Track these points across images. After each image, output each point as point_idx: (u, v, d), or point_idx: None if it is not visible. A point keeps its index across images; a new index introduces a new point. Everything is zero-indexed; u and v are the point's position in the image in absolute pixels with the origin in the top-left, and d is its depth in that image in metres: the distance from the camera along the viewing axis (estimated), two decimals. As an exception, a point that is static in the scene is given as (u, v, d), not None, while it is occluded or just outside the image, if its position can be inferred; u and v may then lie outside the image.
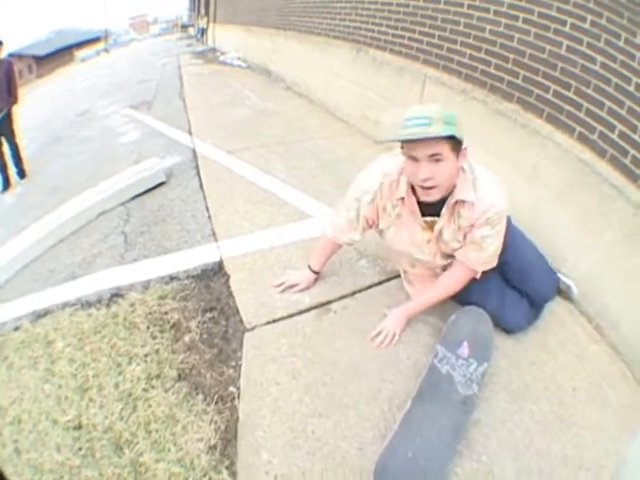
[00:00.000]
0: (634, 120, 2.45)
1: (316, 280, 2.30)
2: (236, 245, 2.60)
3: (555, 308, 2.41)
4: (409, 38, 4.46)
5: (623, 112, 2.50)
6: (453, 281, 1.97)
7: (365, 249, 2.56)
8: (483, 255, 1.83)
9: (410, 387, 1.77)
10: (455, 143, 1.59)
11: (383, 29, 4.98)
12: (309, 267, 2.26)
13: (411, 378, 1.84)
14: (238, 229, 2.75)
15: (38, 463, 1.63)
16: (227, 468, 1.55)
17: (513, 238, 2.03)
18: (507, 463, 1.59)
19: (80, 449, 1.65)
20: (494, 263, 1.90)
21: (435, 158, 1.57)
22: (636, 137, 2.44)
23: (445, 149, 1.57)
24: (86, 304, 2.32)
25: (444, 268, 2.04)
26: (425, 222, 1.86)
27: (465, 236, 1.84)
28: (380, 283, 2.35)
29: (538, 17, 2.80)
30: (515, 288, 2.17)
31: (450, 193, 1.75)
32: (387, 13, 4.88)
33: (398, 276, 2.37)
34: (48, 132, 6.97)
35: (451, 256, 1.95)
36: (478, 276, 1.93)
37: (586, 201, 2.65)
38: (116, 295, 2.34)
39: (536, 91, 2.87)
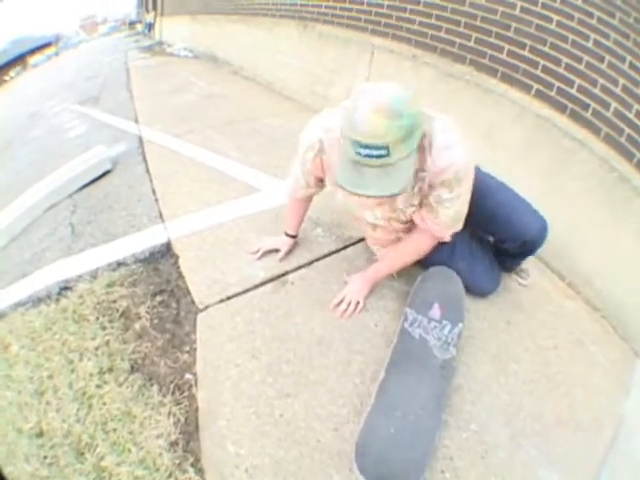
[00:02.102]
0: (593, 74, 2.43)
1: (295, 244, 2.17)
2: (184, 225, 2.42)
3: (524, 267, 2.30)
4: (357, 10, 4.36)
5: (582, 67, 2.48)
6: (415, 247, 1.80)
7: (319, 217, 2.42)
8: (440, 220, 1.61)
9: (382, 356, 1.63)
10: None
11: (330, 3, 4.85)
12: (285, 233, 2.13)
13: (382, 346, 1.69)
14: (185, 209, 2.57)
15: (15, 477, 1.46)
16: (192, 465, 1.38)
17: (478, 183, 1.80)
18: (499, 429, 1.49)
19: (45, 458, 1.49)
20: (458, 227, 1.69)
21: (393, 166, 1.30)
22: (596, 91, 2.43)
23: (399, 152, 1.26)
24: (36, 301, 2.12)
25: (408, 231, 1.85)
26: None
27: (422, 200, 1.63)
28: (338, 251, 2.21)
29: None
30: (495, 239, 2.02)
31: None
32: None
33: (356, 243, 2.25)
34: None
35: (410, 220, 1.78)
36: (447, 239, 1.74)
37: (548, 156, 2.62)
38: (65, 288, 2.13)
39: (489, 52, 2.82)
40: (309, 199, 2.05)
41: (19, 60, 41.47)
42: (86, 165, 3.26)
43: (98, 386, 1.63)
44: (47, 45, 52.63)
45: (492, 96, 2.84)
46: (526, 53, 2.75)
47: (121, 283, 2.07)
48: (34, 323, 1.97)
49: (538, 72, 2.70)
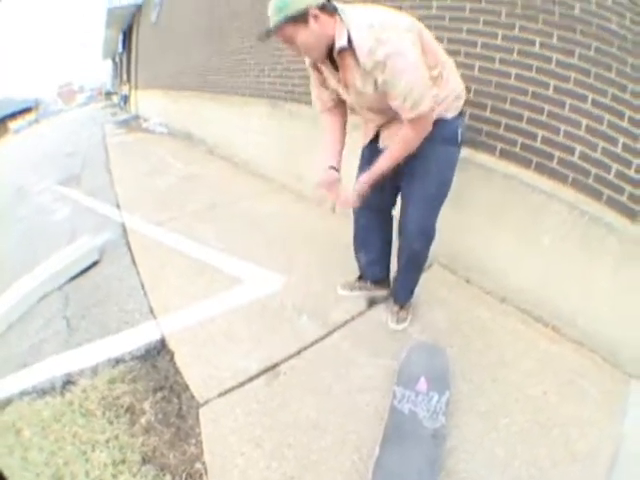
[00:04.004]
0: (556, 123, 2.50)
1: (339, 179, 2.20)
2: (175, 321, 2.52)
3: (505, 322, 2.47)
4: None
5: (544, 118, 2.55)
6: (401, 140, 1.92)
7: (304, 304, 2.56)
8: (399, 100, 1.75)
9: (375, 433, 1.74)
10: (294, 20, 1.70)
11: (296, 81, 4.97)
12: (329, 167, 2.18)
13: (374, 425, 1.80)
14: (175, 303, 2.67)
15: None
16: None
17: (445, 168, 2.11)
18: (495, 480, 1.56)
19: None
20: (423, 107, 1.76)
21: (289, 42, 1.79)
22: (560, 139, 2.49)
23: (289, 30, 1.73)
24: (41, 392, 2.18)
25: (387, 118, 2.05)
26: (335, 74, 1.95)
27: (376, 85, 1.79)
28: (324, 337, 2.32)
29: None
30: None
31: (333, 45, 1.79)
32: (300, 64, 4.76)
33: (341, 327, 2.38)
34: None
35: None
36: (424, 125, 1.85)
37: (518, 214, 2.67)
38: (68, 382, 2.20)
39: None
40: (340, 120, 2.25)
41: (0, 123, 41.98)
42: (74, 256, 3.34)
43: (114, 475, 1.69)
44: (27, 110, 53.39)
45: (458, 163, 2.78)
46: (488, 114, 2.81)
47: (122, 379, 2.15)
48: (42, 413, 2.02)
49: (501, 131, 2.75)
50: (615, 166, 2.31)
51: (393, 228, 2.46)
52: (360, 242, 2.54)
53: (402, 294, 2.46)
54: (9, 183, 8.11)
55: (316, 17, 1.70)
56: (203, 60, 8.45)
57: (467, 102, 2.64)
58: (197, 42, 8.96)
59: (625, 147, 2.28)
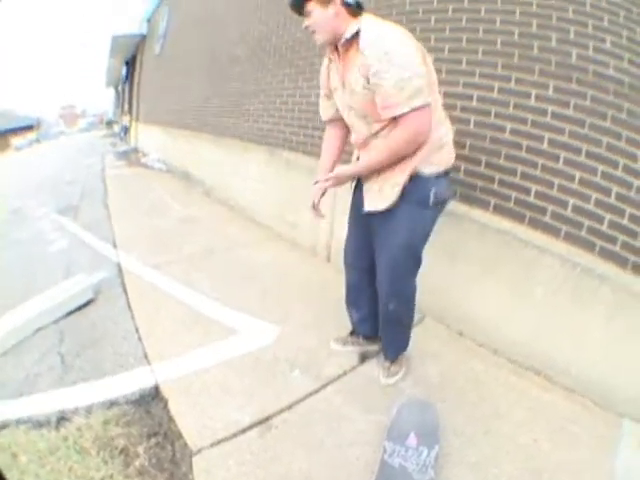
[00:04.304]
0: (550, 177, 2.55)
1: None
2: (169, 368, 2.55)
3: (498, 374, 2.53)
4: (319, 137, 4.22)
5: (537, 172, 2.60)
6: (392, 139, 1.90)
7: (296, 358, 2.61)
8: (388, 93, 1.79)
9: None
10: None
11: (294, 129, 5.04)
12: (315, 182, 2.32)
13: (365, 478, 1.84)
14: (169, 351, 2.71)
15: None
16: None
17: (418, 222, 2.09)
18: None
19: None
20: (416, 101, 1.78)
21: (307, 14, 1.93)
22: (554, 192, 2.53)
23: (310, 4, 1.90)
24: (37, 424, 2.20)
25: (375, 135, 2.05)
26: (339, 70, 2.06)
27: (368, 81, 1.86)
28: (316, 391, 2.37)
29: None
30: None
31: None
32: (297, 113, 4.97)
33: (334, 381, 2.44)
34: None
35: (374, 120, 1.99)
36: (420, 123, 1.83)
37: (511, 268, 2.69)
38: (62, 418, 2.23)
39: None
40: (340, 133, 2.38)
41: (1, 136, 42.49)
42: (70, 293, 3.37)
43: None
44: (29, 127, 53.96)
45: (453, 218, 2.83)
46: (482, 169, 2.83)
47: (116, 422, 2.17)
48: (38, 444, 2.04)
49: (495, 186, 2.77)
50: (608, 216, 2.36)
51: None
52: (351, 299, 2.61)
53: (390, 350, 2.50)
54: (7, 201, 8.16)
55: (337, 9, 1.89)
56: (203, 100, 8.56)
57: (462, 157, 2.80)
58: (198, 81, 9.05)
59: (619, 196, 2.34)
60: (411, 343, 2.52)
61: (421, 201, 2.01)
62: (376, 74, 1.79)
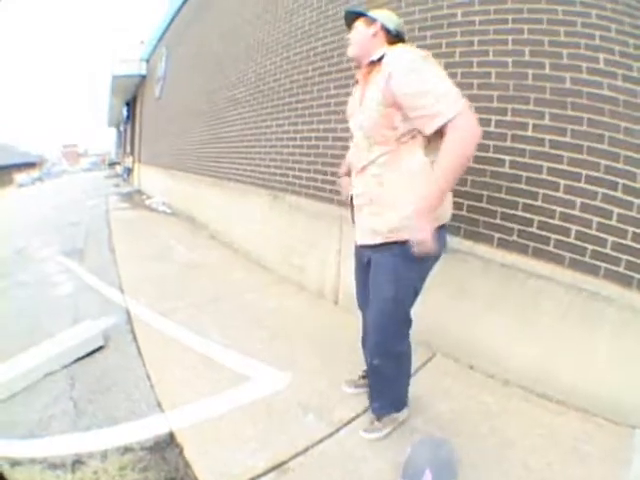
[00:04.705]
0: (551, 206, 2.57)
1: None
2: (183, 414, 2.56)
3: (509, 403, 2.58)
4: (322, 180, 4.59)
5: (539, 203, 2.62)
6: (451, 147, 1.72)
7: (309, 402, 2.63)
8: (428, 101, 1.73)
9: None
10: (365, 17, 2.11)
11: (296, 173, 5.10)
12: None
13: None
14: (182, 398, 2.71)
15: None
16: None
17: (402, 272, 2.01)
18: None
19: None
20: (452, 101, 1.72)
21: (353, 28, 2.15)
22: (556, 221, 2.56)
23: (358, 22, 2.12)
24: (52, 465, 2.21)
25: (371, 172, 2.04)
26: (361, 83, 2.16)
27: (385, 98, 1.85)
28: (331, 435, 2.38)
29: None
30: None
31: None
32: (299, 156, 5.01)
33: (347, 424, 2.45)
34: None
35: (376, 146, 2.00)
36: (466, 118, 1.71)
37: (516, 300, 2.70)
38: (78, 462, 2.24)
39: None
40: None
41: (3, 171, 43.05)
42: (80, 339, 3.38)
43: None
44: (32, 165, 54.86)
45: (458, 255, 2.90)
46: (484, 204, 2.85)
47: (132, 468, 2.18)
48: None
49: (498, 220, 2.79)
50: (611, 238, 2.38)
51: None
52: (363, 340, 2.54)
53: (374, 405, 2.43)
54: (11, 240, 8.25)
55: (376, 29, 2.07)
56: (205, 143, 8.60)
57: (464, 194, 2.89)
58: (199, 124, 9.11)
59: (620, 217, 2.36)
60: (417, 386, 2.48)
61: (408, 254, 1.86)
62: (404, 87, 1.79)
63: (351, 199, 2.26)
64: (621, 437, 2.21)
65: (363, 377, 2.73)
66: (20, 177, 45.31)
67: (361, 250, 2.26)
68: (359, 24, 2.11)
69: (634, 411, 2.30)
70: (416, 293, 2.12)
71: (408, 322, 2.19)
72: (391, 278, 2.01)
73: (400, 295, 2.05)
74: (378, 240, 2.03)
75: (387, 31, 2.06)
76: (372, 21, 2.07)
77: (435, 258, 2.03)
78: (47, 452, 2.33)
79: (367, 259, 2.18)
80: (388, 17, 2.09)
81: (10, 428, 2.55)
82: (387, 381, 2.31)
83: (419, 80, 1.76)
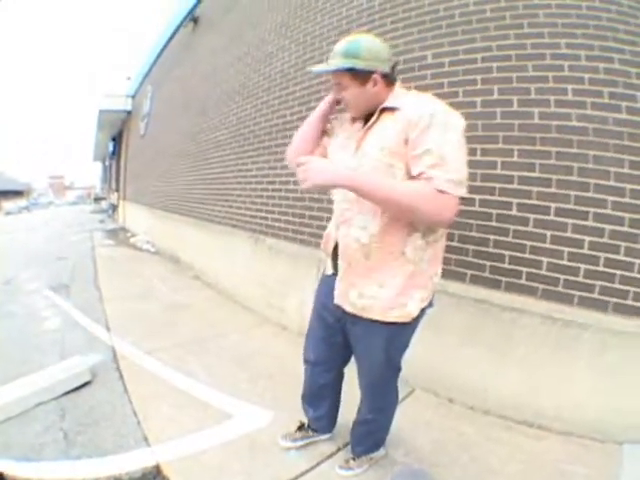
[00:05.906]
0: (521, 240, 2.60)
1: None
2: (169, 450, 2.62)
3: (490, 432, 2.62)
4: (300, 223, 4.71)
5: (509, 239, 2.66)
6: (414, 189, 1.58)
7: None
8: (432, 164, 1.57)
9: None
10: (355, 73, 1.74)
11: (275, 216, 5.23)
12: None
13: None
14: (167, 433, 2.79)
15: None
16: None
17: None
18: None
19: None
20: (459, 189, 1.58)
21: (339, 86, 1.83)
22: (527, 255, 2.59)
23: (345, 79, 1.78)
24: None
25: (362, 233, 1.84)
26: (357, 133, 1.86)
27: (398, 146, 1.67)
28: (313, 468, 2.44)
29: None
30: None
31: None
32: (278, 200, 5.12)
33: (329, 457, 2.52)
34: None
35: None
36: (452, 201, 1.57)
37: (491, 333, 2.73)
38: None
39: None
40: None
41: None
42: (68, 373, 3.48)
43: None
44: (19, 193, 54.74)
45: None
46: (455, 243, 2.90)
47: None
48: None
49: (469, 258, 2.83)
50: (584, 267, 2.43)
51: (344, 382, 2.46)
52: (308, 398, 2.54)
53: (357, 448, 2.42)
54: (0, 269, 8.28)
55: (375, 81, 1.76)
56: (189, 184, 8.66)
57: None
58: (182, 164, 9.19)
59: (592, 245, 2.42)
60: (397, 420, 2.45)
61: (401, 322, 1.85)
62: (418, 148, 1.61)
63: (334, 249, 2.04)
64: (607, 454, 2.26)
65: (299, 429, 2.66)
66: (7, 205, 45.57)
67: (333, 308, 2.08)
68: (350, 84, 1.78)
69: (619, 426, 2.34)
70: (408, 345, 2.04)
71: (400, 370, 2.14)
72: (386, 344, 1.94)
73: (395, 353, 2.03)
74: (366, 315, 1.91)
75: (385, 75, 1.78)
76: (366, 74, 1.74)
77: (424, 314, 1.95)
78: (42, 475, 2.42)
79: (342, 323, 2.08)
80: (380, 58, 1.74)
81: (6, 449, 2.63)
82: (376, 430, 2.36)
83: (441, 141, 1.58)
